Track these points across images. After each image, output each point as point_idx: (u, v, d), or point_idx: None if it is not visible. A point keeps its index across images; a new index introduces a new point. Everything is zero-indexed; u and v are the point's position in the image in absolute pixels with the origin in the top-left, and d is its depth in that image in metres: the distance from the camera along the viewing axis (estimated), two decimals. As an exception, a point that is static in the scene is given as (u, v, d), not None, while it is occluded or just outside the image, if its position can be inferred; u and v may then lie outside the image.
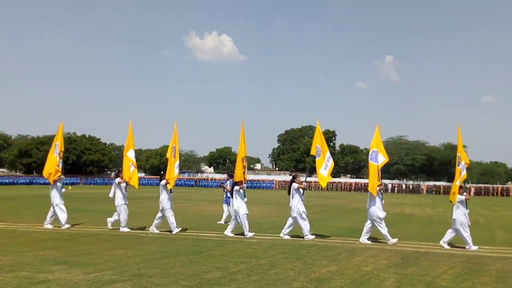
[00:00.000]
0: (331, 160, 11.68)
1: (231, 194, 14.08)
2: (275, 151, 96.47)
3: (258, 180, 59.11)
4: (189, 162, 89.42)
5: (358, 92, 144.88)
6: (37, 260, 7.69)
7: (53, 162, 12.56)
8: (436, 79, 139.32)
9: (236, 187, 11.83)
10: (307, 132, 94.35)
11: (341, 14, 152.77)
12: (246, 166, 12.19)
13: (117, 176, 12.50)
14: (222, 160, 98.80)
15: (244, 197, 11.82)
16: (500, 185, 61.41)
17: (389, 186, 57.00)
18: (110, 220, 12.24)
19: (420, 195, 48.22)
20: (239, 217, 11.57)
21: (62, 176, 12.70)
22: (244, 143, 12.18)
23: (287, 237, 11.32)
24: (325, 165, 11.59)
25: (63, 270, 6.92)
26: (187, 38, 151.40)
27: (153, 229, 11.98)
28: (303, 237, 11.23)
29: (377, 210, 10.94)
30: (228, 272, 7.06)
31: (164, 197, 11.94)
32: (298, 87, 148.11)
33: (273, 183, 56.30)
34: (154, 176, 66.42)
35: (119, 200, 12.07)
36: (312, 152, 11.83)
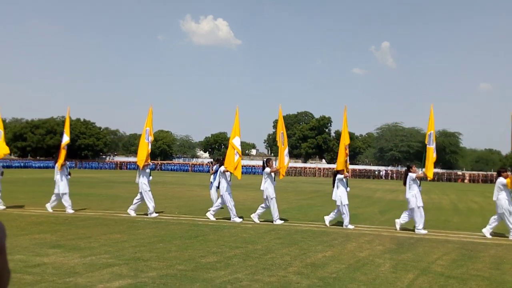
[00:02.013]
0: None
1: (215, 178, 13.56)
2: (270, 136, 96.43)
3: (253, 166, 59.22)
4: (184, 147, 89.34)
5: (354, 78, 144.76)
6: (33, 244, 7.68)
7: (145, 149, 12.38)
8: (432, 66, 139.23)
9: (340, 176, 11.28)
10: (303, 118, 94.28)
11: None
12: (348, 154, 11.61)
13: (221, 164, 12.21)
14: (218, 145, 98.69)
15: (347, 186, 11.35)
16: (495, 172, 61.81)
17: (383, 172, 57.33)
18: (235, 219, 11.57)
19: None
20: (341, 206, 11.05)
21: (150, 162, 12.68)
22: (347, 130, 11.79)
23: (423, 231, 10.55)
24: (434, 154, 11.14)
25: (59, 254, 6.92)
26: (182, 22, 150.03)
27: (270, 218, 11.45)
28: (413, 230, 10.60)
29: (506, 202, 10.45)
30: (224, 257, 7.08)
31: (268, 185, 11.45)
32: (294, 72, 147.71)
33: (268, 168, 56.32)
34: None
35: (224, 189, 11.77)
36: (426, 140, 11.32)
